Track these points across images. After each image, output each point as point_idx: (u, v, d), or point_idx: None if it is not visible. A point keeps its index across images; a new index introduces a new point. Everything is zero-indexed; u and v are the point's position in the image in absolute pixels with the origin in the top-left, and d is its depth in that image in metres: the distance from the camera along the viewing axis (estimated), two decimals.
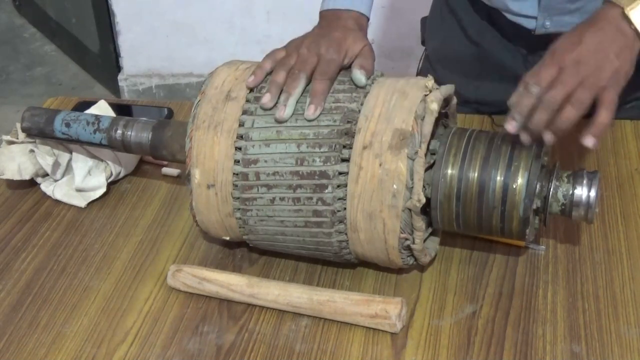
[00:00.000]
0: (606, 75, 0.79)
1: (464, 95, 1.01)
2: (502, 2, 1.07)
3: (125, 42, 2.72)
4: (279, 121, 0.83)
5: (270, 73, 0.88)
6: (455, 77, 0.90)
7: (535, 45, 1.08)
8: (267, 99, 0.84)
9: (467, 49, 1.18)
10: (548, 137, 0.80)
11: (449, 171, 0.82)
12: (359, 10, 0.97)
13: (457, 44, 1.19)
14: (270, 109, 0.84)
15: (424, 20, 1.30)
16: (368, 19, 0.98)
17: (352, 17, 0.96)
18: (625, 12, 0.81)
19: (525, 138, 0.80)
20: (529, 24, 1.06)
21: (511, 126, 0.80)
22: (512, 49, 1.13)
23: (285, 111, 0.83)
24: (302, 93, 0.85)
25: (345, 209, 0.82)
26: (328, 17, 0.97)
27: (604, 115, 0.80)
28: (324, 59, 0.87)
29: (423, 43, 1.30)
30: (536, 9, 1.04)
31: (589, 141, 0.80)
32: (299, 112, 0.84)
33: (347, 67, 0.89)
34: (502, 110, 0.85)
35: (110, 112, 1.08)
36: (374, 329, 0.84)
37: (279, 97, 0.85)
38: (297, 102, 0.84)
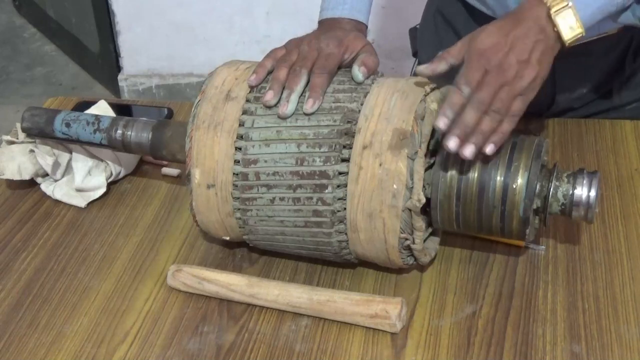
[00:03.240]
0: (524, 84, 0.78)
1: None
2: (505, 10, 1.07)
3: (125, 42, 2.72)
4: (281, 117, 0.83)
5: (271, 72, 0.88)
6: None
7: None
8: (269, 96, 0.84)
9: None
10: (469, 151, 0.79)
11: (449, 171, 0.82)
12: (357, 18, 0.97)
13: None
14: (274, 106, 0.84)
15: (413, 32, 1.29)
16: (366, 27, 0.99)
17: (350, 23, 0.97)
18: (551, 13, 0.80)
19: (469, 150, 0.79)
20: None
21: (442, 122, 0.79)
22: None
23: (287, 107, 0.83)
24: (305, 89, 0.85)
25: (345, 209, 0.82)
26: (327, 23, 0.97)
27: (506, 125, 0.79)
28: (324, 53, 0.87)
29: (415, 55, 1.29)
30: None
31: (489, 149, 0.79)
32: (299, 111, 0.84)
33: (349, 64, 0.88)
34: None
35: (110, 112, 1.08)
36: (374, 329, 0.84)
37: (281, 94, 0.85)
38: (299, 98, 0.84)
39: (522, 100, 0.79)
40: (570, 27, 0.80)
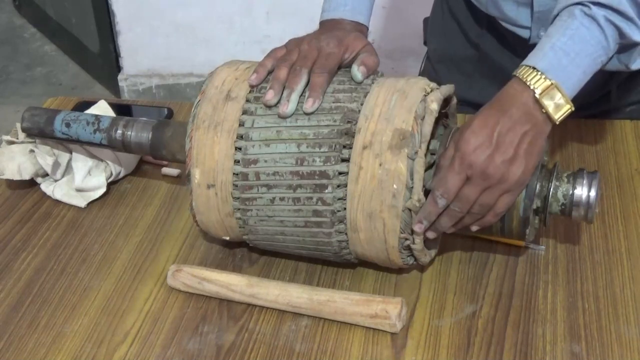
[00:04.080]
0: (511, 183, 0.77)
1: (464, 97, 1.01)
2: (498, 11, 1.07)
3: (125, 42, 2.72)
4: (281, 117, 0.83)
5: (272, 71, 0.88)
6: (455, 77, 0.90)
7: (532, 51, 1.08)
8: (270, 96, 0.84)
9: (467, 51, 1.18)
10: (431, 234, 0.83)
11: None
12: (358, 20, 0.98)
13: (458, 46, 1.19)
14: (274, 105, 0.84)
15: (426, 21, 1.30)
16: (367, 29, 0.99)
17: (351, 24, 0.97)
18: (537, 97, 0.78)
19: (431, 235, 0.82)
20: (524, 33, 1.06)
21: (418, 228, 0.81)
22: (511, 53, 1.13)
23: (288, 107, 0.83)
24: (305, 88, 0.85)
25: (345, 209, 0.82)
26: (328, 24, 0.97)
27: (490, 219, 0.80)
28: (324, 53, 0.87)
29: (425, 43, 1.30)
30: (529, 20, 1.04)
31: (473, 228, 0.82)
32: (299, 111, 0.84)
33: (349, 64, 0.88)
34: None
35: (110, 112, 1.08)
36: (374, 329, 0.84)
37: (281, 94, 0.85)
38: (299, 97, 0.84)
39: (511, 195, 0.79)
40: (557, 105, 0.79)
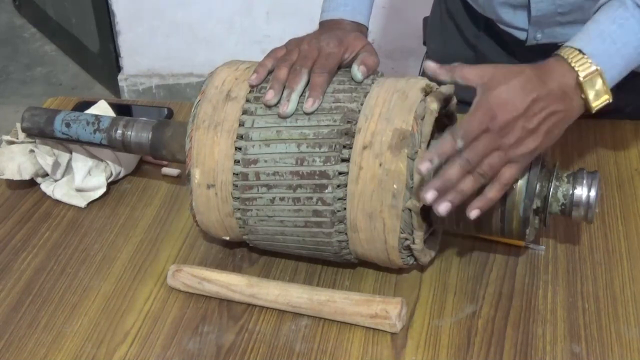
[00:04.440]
0: (521, 152, 0.76)
1: (463, 97, 1.02)
2: (494, 13, 1.07)
3: (125, 42, 2.72)
4: (281, 117, 0.83)
5: (272, 71, 0.88)
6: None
7: (529, 53, 1.08)
8: (270, 96, 0.84)
9: (465, 52, 1.18)
10: (443, 208, 0.76)
11: None
12: (358, 20, 0.98)
13: (456, 47, 1.19)
14: (274, 105, 0.84)
15: (426, 20, 1.30)
16: (367, 29, 0.99)
17: (351, 24, 0.97)
18: (580, 81, 0.77)
19: (431, 195, 0.76)
20: (520, 35, 1.06)
21: (424, 167, 0.75)
22: (508, 55, 1.13)
23: (288, 106, 0.83)
24: (305, 88, 0.85)
25: (345, 209, 0.82)
26: (328, 24, 0.97)
27: (493, 192, 0.77)
28: (324, 53, 0.87)
29: (425, 43, 1.30)
30: (526, 22, 1.04)
31: (472, 214, 0.77)
32: (299, 111, 0.84)
33: (349, 64, 0.88)
34: None
35: (110, 112, 1.08)
36: (374, 329, 0.84)
37: (281, 94, 0.85)
38: (299, 97, 0.84)
39: (516, 167, 0.77)
40: (597, 93, 0.77)
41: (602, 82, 0.77)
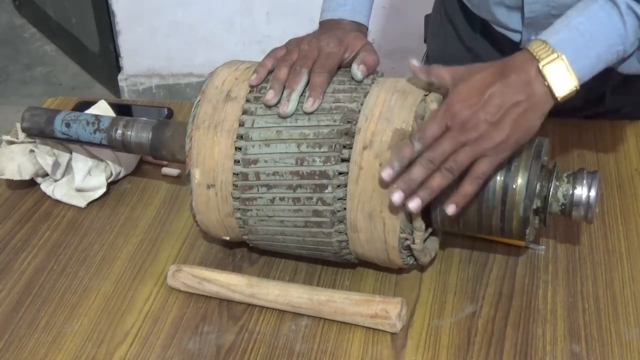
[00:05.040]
0: (488, 145, 0.75)
1: None
2: (489, 13, 1.07)
3: (125, 42, 2.72)
4: (281, 117, 0.83)
5: (272, 71, 0.88)
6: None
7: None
8: (270, 96, 0.84)
9: (462, 54, 1.18)
10: (414, 205, 0.77)
11: None
12: (358, 20, 0.98)
13: (453, 49, 1.20)
14: (274, 105, 0.84)
15: (427, 18, 1.30)
16: (367, 29, 0.99)
17: (351, 24, 0.97)
18: (540, 67, 0.76)
19: (398, 196, 0.78)
20: (515, 37, 1.06)
21: (386, 174, 0.77)
22: (503, 57, 1.13)
23: (288, 106, 0.83)
24: (305, 88, 0.85)
25: (345, 209, 0.82)
26: (328, 24, 0.97)
27: (467, 187, 0.77)
28: (324, 53, 0.87)
29: (425, 41, 1.30)
30: (520, 24, 1.04)
31: (450, 209, 0.78)
32: (299, 111, 0.84)
33: (349, 64, 0.88)
34: None
35: (110, 112, 1.08)
36: (374, 329, 0.84)
37: (281, 94, 0.85)
38: (299, 97, 0.84)
39: (489, 161, 0.76)
40: (561, 81, 0.76)
41: (567, 70, 0.76)
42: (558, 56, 0.76)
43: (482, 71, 0.77)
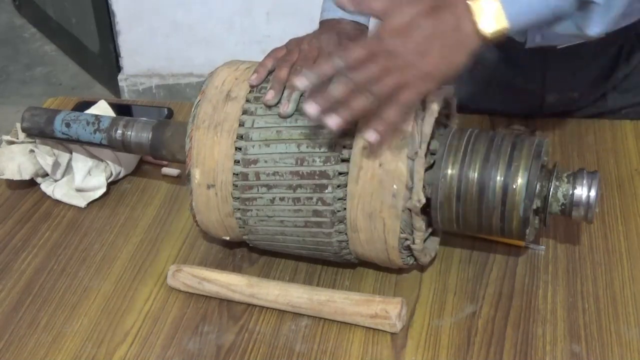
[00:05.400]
0: (413, 75, 0.74)
1: (460, 100, 1.02)
2: None
3: (125, 42, 2.72)
4: (282, 117, 0.83)
5: (272, 71, 0.88)
6: (452, 81, 0.89)
7: (528, 55, 1.08)
8: (270, 96, 0.84)
9: None
10: (332, 121, 0.75)
11: (449, 171, 0.82)
12: (358, 20, 0.97)
13: None
14: (274, 105, 0.84)
15: None
16: (367, 28, 0.99)
17: (351, 24, 0.96)
18: (470, 4, 0.74)
19: (312, 108, 0.75)
20: (520, 37, 1.06)
21: (300, 81, 0.74)
22: (506, 58, 1.13)
23: (288, 106, 0.83)
24: None
25: (345, 209, 0.82)
26: (328, 24, 0.97)
27: (390, 113, 0.75)
28: (324, 53, 0.87)
29: None
30: None
31: (369, 135, 0.75)
32: (299, 111, 0.84)
33: None
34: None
35: (110, 112, 1.08)
36: (374, 329, 0.84)
37: (282, 94, 0.85)
38: (300, 97, 0.84)
39: (414, 91, 0.75)
40: (491, 19, 0.75)
41: (499, 11, 0.75)
42: None
43: (413, 4, 0.75)
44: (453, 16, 0.75)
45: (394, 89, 0.74)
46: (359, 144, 0.81)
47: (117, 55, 2.75)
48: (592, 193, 0.82)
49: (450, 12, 0.75)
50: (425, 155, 0.80)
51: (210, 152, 0.85)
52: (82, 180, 1.03)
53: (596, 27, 0.82)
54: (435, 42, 0.74)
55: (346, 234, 0.84)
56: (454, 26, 0.75)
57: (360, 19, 0.98)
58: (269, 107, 0.84)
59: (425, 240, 0.85)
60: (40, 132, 0.99)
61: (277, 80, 0.85)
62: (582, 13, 0.81)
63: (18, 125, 1.03)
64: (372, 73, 0.73)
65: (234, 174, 0.85)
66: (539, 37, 1.05)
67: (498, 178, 0.80)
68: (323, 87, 0.75)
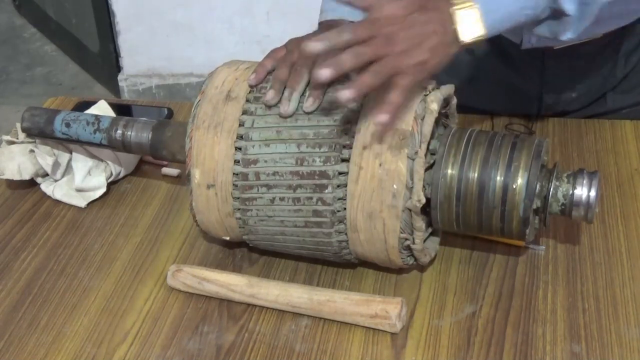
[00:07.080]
0: (409, 62, 0.76)
1: (459, 100, 1.02)
2: None
3: (125, 42, 2.72)
4: (282, 116, 0.83)
5: (271, 71, 0.88)
6: (452, 81, 0.90)
7: (525, 56, 1.08)
8: (270, 96, 0.84)
9: (462, 56, 1.18)
10: (347, 95, 0.76)
11: (449, 171, 0.82)
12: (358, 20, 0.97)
13: None
14: (274, 105, 0.84)
15: None
16: None
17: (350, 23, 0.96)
18: (453, 10, 0.78)
19: (326, 73, 0.75)
20: (515, 38, 1.06)
21: (313, 46, 0.75)
22: (504, 58, 1.13)
23: (289, 106, 0.83)
24: (306, 88, 0.85)
25: (345, 209, 0.82)
26: (327, 24, 0.97)
27: (395, 96, 0.77)
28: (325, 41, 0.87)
29: None
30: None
31: (380, 117, 0.77)
32: (299, 111, 0.84)
33: None
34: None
35: (110, 112, 1.08)
36: (374, 329, 0.84)
37: (282, 93, 0.85)
38: (300, 97, 0.84)
39: (409, 78, 0.77)
40: (470, 26, 0.79)
41: (477, 20, 0.79)
42: (471, 5, 0.79)
43: (403, 1, 0.78)
44: (439, 18, 0.78)
45: (391, 73, 0.76)
46: (359, 144, 0.81)
47: (117, 55, 2.75)
48: (592, 193, 0.82)
49: (437, 14, 0.78)
50: (425, 155, 0.80)
51: (210, 152, 0.85)
52: (82, 180, 1.03)
53: (569, 34, 0.87)
54: (428, 37, 0.77)
55: (346, 234, 0.84)
56: (442, 26, 0.78)
57: (360, 19, 0.98)
58: (269, 107, 0.84)
59: (425, 240, 0.85)
60: (40, 132, 0.99)
61: (277, 80, 0.85)
62: (556, 21, 0.86)
63: (18, 125, 1.03)
64: (376, 51, 0.75)
65: (234, 174, 0.85)
66: (534, 39, 1.05)
67: (498, 178, 0.80)
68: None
